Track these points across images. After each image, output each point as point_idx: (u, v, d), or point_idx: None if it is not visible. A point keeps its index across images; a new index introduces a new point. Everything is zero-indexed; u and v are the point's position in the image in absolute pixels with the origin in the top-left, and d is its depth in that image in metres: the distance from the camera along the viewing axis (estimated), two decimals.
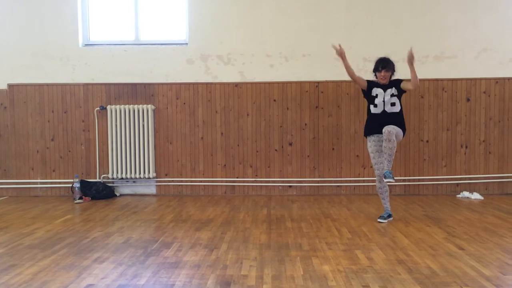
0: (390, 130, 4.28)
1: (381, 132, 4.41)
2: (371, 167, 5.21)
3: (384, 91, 4.52)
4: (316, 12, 6.01)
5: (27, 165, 6.21)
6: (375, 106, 4.53)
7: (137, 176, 6.10)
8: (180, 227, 4.39)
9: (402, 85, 4.51)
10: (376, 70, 4.57)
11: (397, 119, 4.50)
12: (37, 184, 6.22)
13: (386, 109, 4.50)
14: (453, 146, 6.03)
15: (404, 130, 4.55)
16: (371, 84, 4.61)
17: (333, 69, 5.98)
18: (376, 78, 4.61)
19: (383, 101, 4.50)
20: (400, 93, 4.52)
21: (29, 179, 6.21)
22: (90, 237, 4.05)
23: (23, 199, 5.99)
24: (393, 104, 4.50)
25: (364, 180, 6.07)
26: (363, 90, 4.67)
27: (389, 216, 4.56)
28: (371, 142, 4.56)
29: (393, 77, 4.59)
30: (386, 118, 4.47)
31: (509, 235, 3.98)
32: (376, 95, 4.54)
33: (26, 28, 6.12)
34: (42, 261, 3.38)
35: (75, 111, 6.19)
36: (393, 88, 4.51)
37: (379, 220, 4.50)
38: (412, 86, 4.43)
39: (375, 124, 4.51)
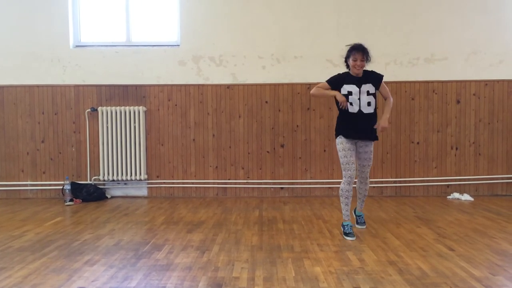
0: (368, 174, 4.14)
1: (358, 138, 4.02)
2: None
3: (359, 87, 3.94)
4: (308, 14, 6.03)
5: (17, 167, 6.16)
6: (350, 104, 3.95)
7: (129, 178, 6.07)
8: (172, 229, 4.38)
9: (381, 88, 4.05)
10: (349, 57, 3.97)
11: (372, 121, 4.02)
12: (27, 186, 6.17)
13: (362, 109, 3.96)
14: (443, 147, 6.08)
15: (376, 137, 4.11)
16: (337, 82, 4.00)
17: (324, 70, 5.98)
18: (348, 68, 4.03)
19: (359, 99, 3.94)
20: (376, 92, 4.03)
21: (19, 181, 6.16)
22: (80, 240, 4.02)
23: (13, 201, 5.94)
24: (369, 104, 3.97)
25: (355, 181, 6.07)
26: None
27: (351, 227, 4.03)
28: (343, 139, 4.01)
29: (368, 68, 4.05)
30: (363, 120, 3.97)
31: (498, 236, 4.02)
32: (350, 92, 3.94)
33: (16, 29, 6.07)
34: (32, 263, 3.36)
35: (65, 112, 6.15)
36: (370, 84, 3.96)
37: (348, 238, 3.94)
38: (386, 100, 4.11)
39: (350, 126, 3.99)
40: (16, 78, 6.11)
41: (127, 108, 6.05)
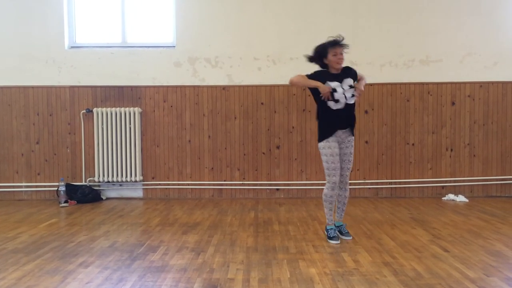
0: (348, 179, 4.02)
1: (345, 127, 3.94)
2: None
3: (340, 82, 3.88)
4: (304, 16, 6.04)
5: (12, 168, 6.13)
6: (337, 101, 3.86)
7: (124, 179, 6.05)
8: (167, 231, 4.37)
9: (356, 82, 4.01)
10: (325, 55, 3.88)
11: (353, 111, 3.99)
12: (22, 188, 6.14)
13: (348, 101, 3.89)
14: (438, 149, 6.10)
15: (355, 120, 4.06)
16: (319, 78, 3.89)
17: None
18: (326, 63, 3.91)
19: (344, 94, 3.86)
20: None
21: (14, 182, 6.13)
22: (75, 241, 4.00)
23: (7, 202, 5.91)
24: (352, 95, 3.91)
25: (350, 183, 6.06)
26: (312, 89, 3.99)
27: (335, 231, 3.98)
28: (330, 143, 3.89)
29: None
30: (349, 111, 3.92)
31: (493, 237, 4.04)
32: (334, 89, 3.85)
33: (11, 30, 6.05)
34: (26, 265, 3.34)
35: (60, 114, 6.13)
36: (350, 78, 3.92)
37: (332, 242, 3.89)
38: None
39: (337, 120, 3.91)
40: (11, 79, 6.09)
41: (122, 109, 6.04)
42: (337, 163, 3.89)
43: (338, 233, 4.06)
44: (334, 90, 3.86)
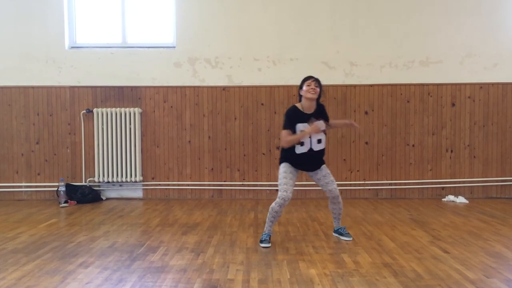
0: (337, 191, 3.98)
1: (307, 170, 3.97)
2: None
3: (310, 125, 3.83)
4: (304, 17, 6.04)
5: (12, 168, 6.13)
6: (301, 144, 3.82)
7: (124, 179, 6.05)
8: (167, 231, 4.37)
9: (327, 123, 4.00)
10: (302, 87, 3.86)
11: (322, 156, 3.97)
12: (22, 188, 6.14)
13: (313, 147, 3.85)
14: (438, 150, 6.10)
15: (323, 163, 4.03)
16: (293, 123, 3.82)
17: (320, 73, 5.96)
18: (302, 94, 3.86)
19: (310, 137, 3.82)
20: (326, 128, 3.97)
21: (14, 182, 6.13)
22: (75, 242, 4.00)
23: (7, 202, 5.91)
24: (319, 141, 3.88)
25: (350, 184, 6.10)
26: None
27: (268, 237, 3.90)
28: (288, 167, 3.87)
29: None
30: (312, 156, 3.89)
31: (493, 238, 4.04)
32: (302, 132, 3.80)
33: (11, 30, 6.05)
34: (26, 265, 3.34)
35: (60, 114, 6.13)
36: (321, 121, 3.89)
37: (263, 245, 3.85)
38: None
39: (298, 162, 3.88)
40: (11, 79, 6.09)
41: (122, 109, 6.04)
42: (290, 182, 3.81)
43: (337, 235, 4.09)
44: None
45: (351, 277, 3.07)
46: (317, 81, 3.83)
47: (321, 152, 3.95)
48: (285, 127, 3.85)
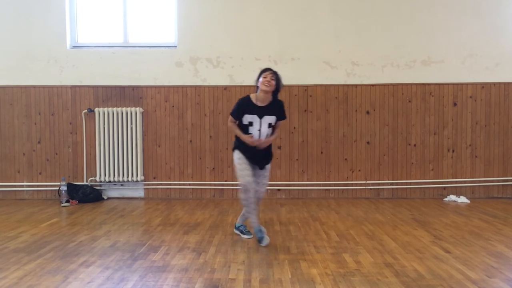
0: (262, 195, 4.03)
1: (255, 163, 3.93)
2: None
3: (260, 117, 3.83)
4: (305, 16, 6.04)
5: (13, 167, 6.14)
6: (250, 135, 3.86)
7: (125, 179, 6.05)
8: (168, 231, 4.37)
9: (278, 122, 4.00)
10: (259, 79, 3.84)
11: (268, 149, 4.00)
12: (23, 187, 6.15)
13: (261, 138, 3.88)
14: (440, 150, 6.09)
15: (272, 157, 4.09)
16: (239, 112, 3.85)
17: (321, 73, 6.04)
18: (258, 85, 3.85)
19: (259, 130, 3.85)
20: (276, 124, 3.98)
21: (15, 182, 6.14)
22: (76, 241, 4.01)
23: (8, 202, 5.91)
24: (267, 136, 3.92)
25: (352, 183, 6.10)
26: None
27: (261, 232, 3.87)
28: (240, 154, 3.91)
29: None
30: (260, 150, 3.90)
31: (494, 238, 4.03)
32: (250, 123, 3.83)
33: (13, 29, 6.06)
34: (27, 265, 3.34)
35: (62, 113, 6.14)
36: (273, 117, 3.89)
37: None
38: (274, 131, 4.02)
39: (247, 154, 3.89)
40: (13, 79, 6.10)
41: (124, 109, 6.04)
42: (246, 171, 3.82)
43: (238, 233, 4.17)
44: (250, 124, 3.84)
45: (352, 277, 3.06)
46: (274, 73, 3.81)
47: (268, 148, 3.97)
48: (232, 114, 3.92)
